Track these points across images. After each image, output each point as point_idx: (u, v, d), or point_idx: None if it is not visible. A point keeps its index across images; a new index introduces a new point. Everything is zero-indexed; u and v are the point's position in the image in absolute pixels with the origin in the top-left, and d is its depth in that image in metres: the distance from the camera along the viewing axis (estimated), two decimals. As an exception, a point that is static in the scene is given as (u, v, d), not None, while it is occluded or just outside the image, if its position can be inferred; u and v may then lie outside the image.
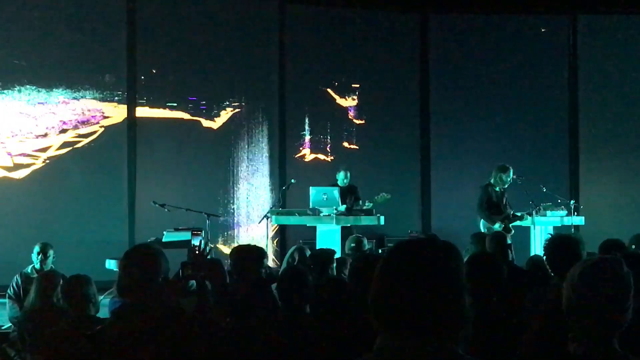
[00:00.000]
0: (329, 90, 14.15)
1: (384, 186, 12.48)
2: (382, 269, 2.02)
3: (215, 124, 13.43)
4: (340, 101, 14.21)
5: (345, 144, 14.16)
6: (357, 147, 14.10)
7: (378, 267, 2.03)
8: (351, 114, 14.23)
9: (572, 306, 2.66)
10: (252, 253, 6.56)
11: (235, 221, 13.12)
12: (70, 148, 12.57)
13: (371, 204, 11.58)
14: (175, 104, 13.17)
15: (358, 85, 14.23)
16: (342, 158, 13.65)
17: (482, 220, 11.25)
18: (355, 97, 14.25)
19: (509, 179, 11.27)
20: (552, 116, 14.50)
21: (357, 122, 14.24)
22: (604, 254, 5.77)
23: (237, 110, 13.53)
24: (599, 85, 14.46)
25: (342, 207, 11.53)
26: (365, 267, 4.37)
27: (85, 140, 12.63)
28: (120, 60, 12.76)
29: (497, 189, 11.29)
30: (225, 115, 13.45)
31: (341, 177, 12.06)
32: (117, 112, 12.87)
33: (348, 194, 11.89)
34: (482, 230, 10.84)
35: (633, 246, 6.43)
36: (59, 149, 12.50)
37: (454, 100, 14.53)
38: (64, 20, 12.49)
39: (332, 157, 14.07)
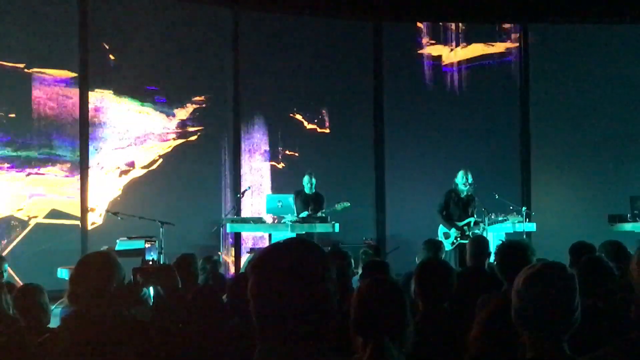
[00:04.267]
0: (284, 97, 14.21)
1: (339, 194, 12.56)
2: (253, 277, 2.06)
3: (170, 127, 13.39)
4: (295, 108, 14.29)
5: (299, 152, 14.19)
6: (312, 155, 14.13)
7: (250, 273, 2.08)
8: (305, 121, 14.30)
9: (518, 312, 2.67)
10: (193, 260, 6.59)
11: (190, 228, 13.06)
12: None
13: (323, 213, 11.63)
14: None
15: (314, 93, 14.35)
16: (296, 165, 13.64)
17: (440, 225, 11.34)
18: (311, 105, 14.36)
19: (462, 182, 11.32)
20: (505, 124, 14.71)
21: (311, 128, 14.30)
22: (574, 257, 5.89)
23: (194, 110, 13.51)
24: (550, 93, 14.70)
25: (304, 214, 11.63)
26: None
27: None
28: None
29: (463, 194, 11.36)
30: (184, 113, 13.46)
31: (305, 182, 12.00)
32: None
33: (312, 202, 11.90)
34: (440, 237, 10.96)
35: (602, 254, 6.48)
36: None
37: (408, 107, 14.67)
38: None
39: (283, 164, 14.08)
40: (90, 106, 12.59)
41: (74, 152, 12.49)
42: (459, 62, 14.81)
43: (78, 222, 12.35)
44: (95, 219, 12.54)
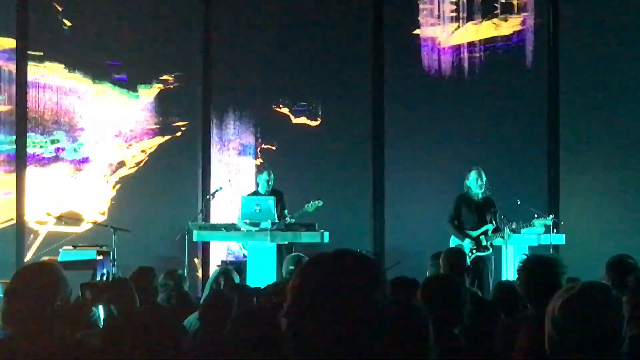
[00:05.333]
0: (265, 82, 14.20)
1: (329, 197, 12.61)
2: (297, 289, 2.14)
3: (131, 112, 13.43)
4: (279, 96, 14.29)
5: (282, 147, 14.21)
6: (296, 151, 14.19)
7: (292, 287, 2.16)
8: (291, 114, 14.34)
9: (555, 345, 2.63)
10: (152, 275, 6.63)
11: (150, 236, 13.11)
12: None
13: (293, 219, 11.68)
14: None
15: (299, 80, 14.37)
16: (277, 162, 13.63)
17: (452, 237, 11.45)
18: (297, 92, 14.37)
19: (476, 184, 11.42)
20: (528, 115, 14.63)
21: (298, 120, 14.32)
22: (615, 275, 5.94)
23: (162, 93, 13.62)
24: (582, 78, 14.54)
25: (292, 220, 11.73)
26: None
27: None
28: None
29: (476, 198, 11.47)
30: (149, 95, 13.53)
31: (263, 180, 11.96)
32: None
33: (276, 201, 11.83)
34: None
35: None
36: None
37: (411, 96, 14.65)
38: None
39: (261, 160, 14.09)
40: (33, 83, 12.54)
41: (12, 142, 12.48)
42: (472, 44, 14.72)
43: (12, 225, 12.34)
44: (34, 223, 12.50)
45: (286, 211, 11.87)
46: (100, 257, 10.48)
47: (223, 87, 14.02)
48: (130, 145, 13.45)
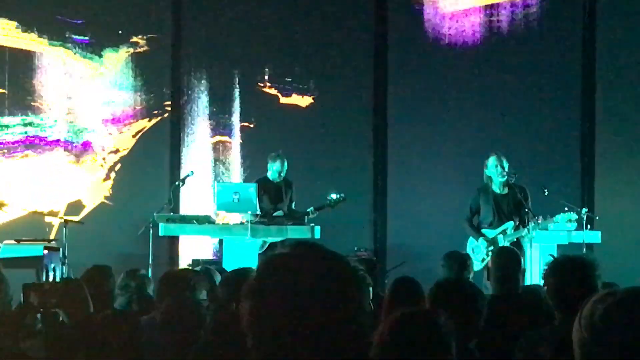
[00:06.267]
0: (248, 49, 14.18)
1: (321, 186, 12.78)
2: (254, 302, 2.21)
3: (92, 81, 13.45)
4: (265, 65, 14.28)
5: (268, 127, 14.21)
6: (286, 131, 14.14)
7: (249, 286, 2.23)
8: (279, 93, 14.33)
9: (589, 355, 2.58)
10: (108, 275, 6.83)
11: (108, 230, 13.10)
12: None
13: (316, 212, 11.79)
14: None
15: (288, 49, 14.39)
16: (264, 145, 13.62)
17: (470, 237, 11.58)
18: (285, 63, 14.36)
19: (497, 172, 11.41)
20: (558, 88, 14.56)
21: (285, 100, 14.32)
22: None
23: (131, 57, 13.66)
24: (623, 45, 14.50)
25: (279, 212, 11.83)
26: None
27: None
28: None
29: (497, 189, 11.50)
30: (116, 61, 13.56)
31: (275, 168, 12.08)
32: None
33: (284, 193, 12.02)
34: (467, 251, 10.97)
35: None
36: None
37: (421, 64, 14.66)
38: None
39: (241, 140, 14.14)
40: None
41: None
42: (490, 6, 14.68)
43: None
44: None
45: (294, 204, 12.02)
46: (48, 254, 10.43)
47: (198, 53, 14.09)
48: (90, 121, 13.52)
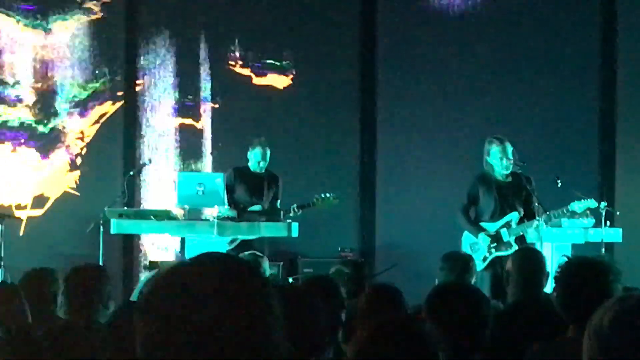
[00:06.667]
0: (217, 21, 14.30)
1: (301, 178, 13.07)
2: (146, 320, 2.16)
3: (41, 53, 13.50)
4: (236, 38, 14.35)
5: (241, 110, 14.26)
6: (263, 116, 14.24)
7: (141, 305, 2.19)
8: (253, 73, 14.39)
9: None
10: (52, 279, 6.88)
11: (54, 226, 13.10)
12: None
13: (300, 211, 11.87)
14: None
15: (262, 20, 14.43)
16: (236, 131, 13.83)
17: (465, 231, 11.50)
18: (258, 39, 14.45)
19: (500, 160, 11.27)
20: (573, 66, 14.60)
21: (259, 81, 14.38)
22: None
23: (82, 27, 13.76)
24: None
25: (256, 207, 11.87)
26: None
27: None
28: None
29: (500, 177, 11.38)
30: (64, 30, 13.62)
31: (256, 157, 12.04)
32: None
33: (266, 186, 12.01)
34: (465, 249, 11.06)
35: None
36: None
37: (416, 36, 14.68)
38: None
39: (210, 125, 14.21)
40: None
41: None
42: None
43: None
44: None
45: (279, 202, 12.03)
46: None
47: (155, 22, 14.12)
48: (34, 104, 13.57)
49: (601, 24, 14.62)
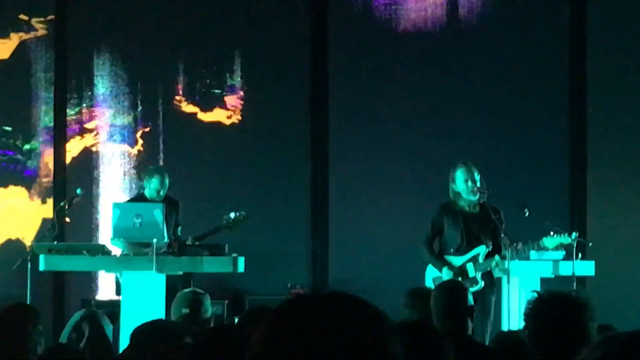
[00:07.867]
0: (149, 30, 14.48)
1: (247, 206, 12.70)
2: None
3: None
4: (177, 60, 14.53)
5: (168, 134, 14.45)
6: (198, 144, 14.40)
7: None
8: (184, 98, 14.53)
9: None
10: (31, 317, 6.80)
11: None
12: None
13: (203, 239, 11.82)
14: None
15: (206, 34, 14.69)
16: (171, 157, 14.08)
17: (429, 264, 11.48)
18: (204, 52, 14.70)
19: (466, 187, 11.23)
20: (542, 89, 14.67)
21: (203, 116, 14.50)
22: None
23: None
24: (617, 30, 14.72)
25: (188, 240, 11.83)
26: (209, 346, 4.88)
27: None
28: None
29: (467, 207, 11.35)
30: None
31: (153, 186, 12.12)
32: None
33: (167, 215, 11.82)
34: (428, 284, 10.92)
35: None
36: None
37: (373, 52, 14.76)
38: None
39: (142, 148, 14.30)
40: None
41: None
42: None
43: None
44: None
45: (179, 229, 12.11)
46: None
47: (87, 35, 14.35)
48: None
49: (569, 48, 14.74)
